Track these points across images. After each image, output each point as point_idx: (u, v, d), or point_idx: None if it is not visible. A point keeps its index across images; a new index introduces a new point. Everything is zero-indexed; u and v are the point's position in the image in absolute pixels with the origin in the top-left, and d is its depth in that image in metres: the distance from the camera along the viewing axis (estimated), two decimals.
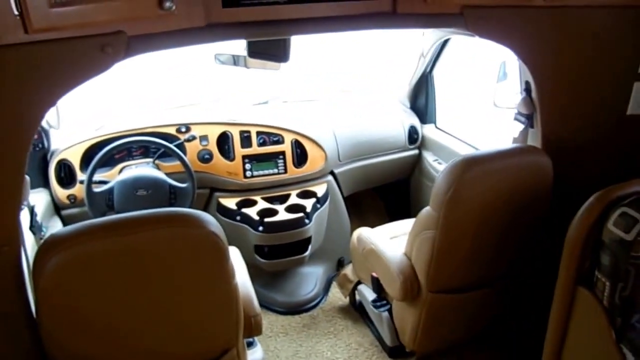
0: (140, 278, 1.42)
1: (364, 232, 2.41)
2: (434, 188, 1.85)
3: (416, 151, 3.15)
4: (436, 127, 3.19)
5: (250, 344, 2.22)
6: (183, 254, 1.42)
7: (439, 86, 3.14)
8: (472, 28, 1.79)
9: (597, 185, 1.57)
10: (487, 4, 1.75)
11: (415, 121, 3.14)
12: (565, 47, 1.85)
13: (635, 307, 1.50)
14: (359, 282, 2.57)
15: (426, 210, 1.91)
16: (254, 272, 2.63)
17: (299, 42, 2.10)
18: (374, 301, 2.37)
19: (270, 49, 1.94)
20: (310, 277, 2.86)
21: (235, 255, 2.16)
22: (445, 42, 2.80)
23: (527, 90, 2.00)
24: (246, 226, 2.62)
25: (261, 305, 2.70)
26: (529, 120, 2.05)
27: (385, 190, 3.42)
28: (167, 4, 1.35)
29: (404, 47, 3.54)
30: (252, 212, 2.64)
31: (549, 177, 1.87)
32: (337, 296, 2.83)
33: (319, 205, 2.75)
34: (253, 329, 1.81)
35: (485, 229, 1.89)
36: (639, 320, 1.50)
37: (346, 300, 2.77)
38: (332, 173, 2.90)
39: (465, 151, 2.72)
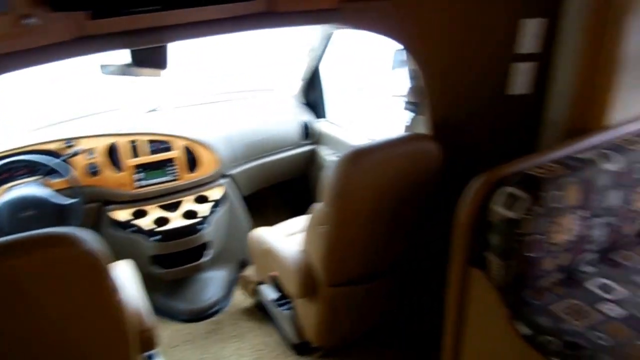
0: (19, 303, 1.33)
1: (261, 232, 2.39)
2: (324, 183, 1.86)
3: (312, 146, 3.17)
4: (329, 121, 3.22)
5: (150, 358, 2.12)
6: (58, 275, 1.34)
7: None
8: (351, 22, 1.81)
9: (485, 167, 1.65)
10: None
11: (308, 117, 3.16)
12: (445, 33, 1.91)
13: (526, 283, 1.59)
14: (261, 283, 2.54)
15: (318, 205, 1.92)
16: (153, 283, 2.53)
17: (189, 46, 2.02)
18: (276, 300, 2.35)
19: (151, 56, 1.89)
20: (212, 282, 2.79)
21: (125, 269, 2.07)
22: (332, 35, 2.84)
23: (415, 78, 2.07)
24: (140, 237, 2.53)
25: (164, 315, 2.64)
26: (418, 107, 2.12)
27: (286, 188, 3.42)
28: (28, 20, 1.24)
29: (299, 43, 3.54)
30: (145, 221, 2.56)
31: (438, 163, 1.94)
32: (241, 299, 2.78)
33: (216, 209, 2.69)
34: (146, 344, 1.73)
35: (378, 219, 1.93)
36: (530, 295, 1.60)
37: (250, 302, 2.74)
38: (228, 175, 2.85)
39: (360, 143, 2.77)
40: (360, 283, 2.02)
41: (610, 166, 1.63)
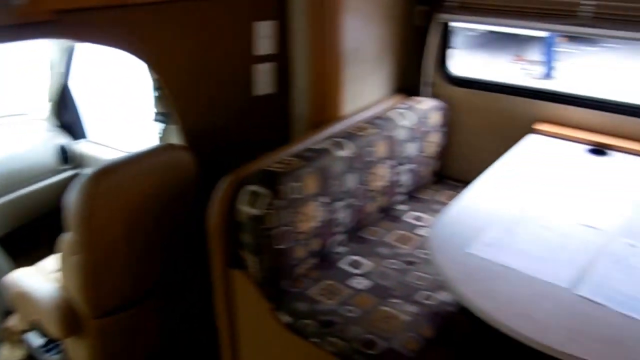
0: None
1: (16, 275, 2.11)
2: (68, 210, 1.70)
3: (74, 171, 2.92)
4: (90, 141, 3.00)
5: None
6: None
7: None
8: (74, 35, 1.68)
9: (234, 164, 1.67)
10: (85, 6, 1.66)
11: (64, 139, 2.90)
12: (181, 42, 1.89)
13: (283, 274, 1.65)
14: (25, 331, 2.25)
15: (66, 235, 1.75)
16: None
17: None
18: (43, 347, 2.11)
19: None
20: None
21: None
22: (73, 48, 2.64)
23: (159, 88, 2.01)
24: None
25: None
26: (168, 118, 2.06)
27: (51, 220, 3.09)
28: None
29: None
30: None
31: (192, 172, 1.90)
32: (8, 354, 2.44)
33: None
34: None
35: (136, 238, 1.83)
36: (289, 285, 1.66)
37: (20, 355, 2.41)
38: None
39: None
40: (127, 308, 1.90)
41: (343, 153, 1.78)
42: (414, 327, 1.50)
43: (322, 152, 1.74)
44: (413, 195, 2.20)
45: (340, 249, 1.85)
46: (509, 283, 1.23)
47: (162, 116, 2.08)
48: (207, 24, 1.93)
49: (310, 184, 1.65)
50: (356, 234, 1.93)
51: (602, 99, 2.03)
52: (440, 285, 1.66)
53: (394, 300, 1.60)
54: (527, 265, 1.28)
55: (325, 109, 2.04)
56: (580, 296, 1.17)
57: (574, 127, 2.02)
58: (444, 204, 2.14)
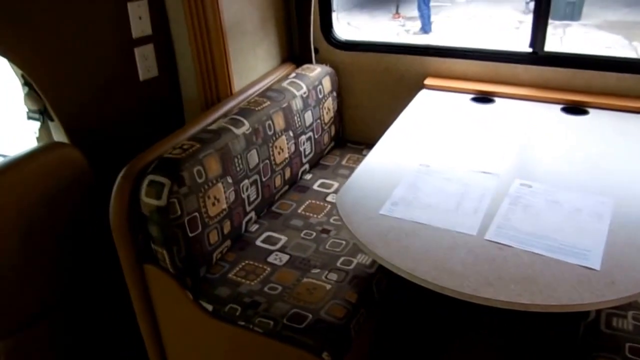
0: None
1: None
2: None
3: None
4: None
5: None
6: None
7: None
8: None
9: (128, 155, 1.56)
10: None
11: None
12: (50, 32, 1.71)
13: (199, 262, 1.59)
14: None
15: None
16: None
17: None
18: None
19: None
20: None
21: None
22: None
23: (28, 84, 1.82)
24: None
25: None
26: (43, 115, 1.88)
27: None
28: None
29: None
30: None
31: (83, 169, 1.77)
32: None
33: None
34: None
35: (33, 249, 1.68)
36: (207, 272, 1.61)
37: None
38: None
39: None
40: (31, 326, 1.76)
41: (241, 130, 1.74)
42: (338, 294, 1.52)
43: (220, 131, 1.68)
44: (317, 163, 2.22)
45: (254, 227, 1.82)
46: (420, 238, 1.28)
47: (36, 114, 1.89)
48: (79, 11, 1.77)
49: (213, 166, 1.59)
50: (267, 209, 1.91)
51: (480, 50, 2.14)
52: (357, 250, 1.69)
53: (315, 271, 1.61)
54: (436, 218, 1.34)
55: (215, 87, 1.97)
56: (489, 240, 1.25)
57: (460, 79, 2.12)
58: (348, 167, 2.18)
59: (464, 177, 1.52)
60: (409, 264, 1.19)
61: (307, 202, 1.96)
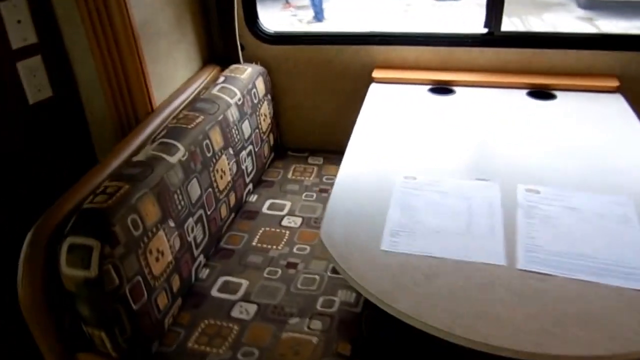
0: None
1: None
2: None
3: None
4: None
5: None
6: None
7: None
8: None
9: (42, 210, 1.16)
10: None
11: None
12: None
13: (150, 337, 1.23)
14: None
15: None
16: None
17: None
18: None
19: None
20: None
21: None
22: None
23: None
24: None
25: None
26: None
27: None
28: None
29: None
30: None
31: None
32: None
33: None
34: None
35: None
36: (164, 344, 1.24)
37: None
38: None
39: None
40: None
41: (176, 157, 1.38)
42: (328, 348, 1.24)
43: (150, 162, 1.31)
44: (260, 180, 1.90)
45: (205, 273, 1.47)
46: (443, 279, 1.02)
47: None
48: None
49: (150, 211, 1.22)
50: (216, 247, 1.57)
51: (431, 34, 1.93)
52: (335, 284, 1.42)
53: (293, 321, 1.31)
54: (451, 247, 1.09)
55: (130, 104, 1.57)
56: (524, 270, 1.02)
57: (413, 68, 1.90)
58: (297, 181, 1.89)
59: (459, 187, 1.29)
60: (446, 320, 0.93)
61: (261, 231, 1.64)
